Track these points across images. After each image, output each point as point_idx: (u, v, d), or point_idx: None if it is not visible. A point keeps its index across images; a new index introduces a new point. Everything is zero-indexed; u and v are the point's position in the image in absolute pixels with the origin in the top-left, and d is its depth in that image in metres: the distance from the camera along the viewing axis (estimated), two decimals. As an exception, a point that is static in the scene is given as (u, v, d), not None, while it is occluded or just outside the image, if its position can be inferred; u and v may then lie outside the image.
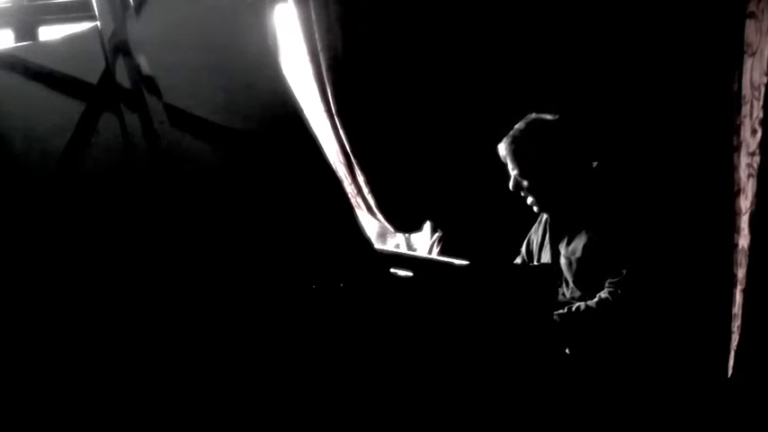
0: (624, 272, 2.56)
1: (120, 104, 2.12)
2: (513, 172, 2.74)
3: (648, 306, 2.59)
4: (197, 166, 2.13)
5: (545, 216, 2.85)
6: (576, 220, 2.72)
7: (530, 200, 2.75)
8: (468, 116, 3.34)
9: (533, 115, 2.73)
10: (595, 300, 2.58)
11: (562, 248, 2.74)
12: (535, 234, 2.91)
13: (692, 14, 3.17)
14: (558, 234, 2.79)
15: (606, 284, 2.59)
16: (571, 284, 2.71)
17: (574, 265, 2.68)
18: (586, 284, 2.66)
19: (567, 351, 2.57)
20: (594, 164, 2.76)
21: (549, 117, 2.71)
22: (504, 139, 2.73)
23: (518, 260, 2.98)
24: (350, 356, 2.08)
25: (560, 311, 2.58)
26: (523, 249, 2.96)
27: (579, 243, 2.68)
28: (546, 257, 2.82)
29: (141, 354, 1.98)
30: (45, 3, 3.42)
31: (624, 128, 3.25)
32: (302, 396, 2.05)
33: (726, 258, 3.04)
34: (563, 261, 2.73)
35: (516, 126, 2.73)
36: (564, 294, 2.74)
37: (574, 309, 2.58)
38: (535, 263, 2.88)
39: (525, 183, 2.71)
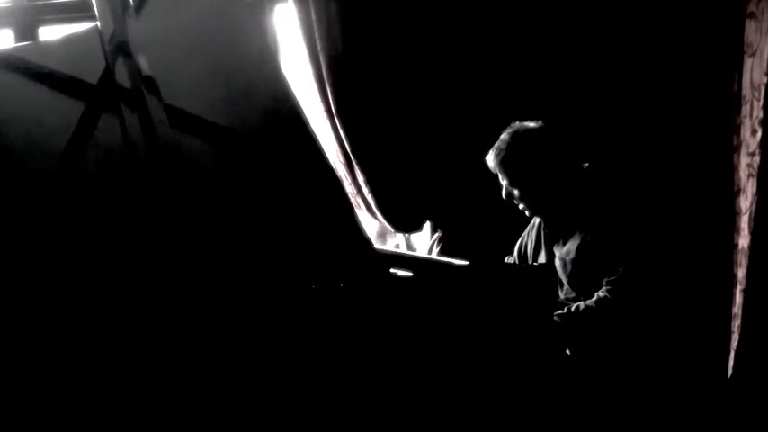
0: (621, 270, 2.57)
1: (120, 104, 2.12)
2: (503, 182, 2.76)
3: (647, 304, 2.60)
4: (197, 166, 2.13)
5: (538, 219, 2.86)
6: (569, 221, 2.73)
7: (522, 206, 2.78)
8: (468, 116, 3.34)
9: (516, 124, 2.76)
10: (594, 299, 2.58)
11: (557, 250, 2.75)
12: (528, 237, 2.92)
13: (692, 14, 3.17)
14: (552, 236, 2.80)
15: (603, 283, 2.59)
16: (566, 285, 2.72)
17: (568, 266, 2.69)
18: (581, 285, 2.67)
19: (567, 351, 2.57)
20: (585, 165, 2.77)
21: (532, 125, 2.73)
22: (491, 152, 2.76)
23: (509, 260, 2.99)
24: (350, 356, 2.08)
25: (560, 311, 2.58)
26: (515, 252, 2.97)
27: (573, 244, 2.69)
28: (542, 260, 2.83)
29: (142, 353, 1.98)
30: (45, 3, 3.42)
31: (624, 128, 3.25)
32: (302, 396, 2.05)
33: (726, 258, 3.04)
34: (558, 262, 2.74)
35: (501, 137, 2.75)
36: (559, 295, 2.74)
37: (573, 308, 2.58)
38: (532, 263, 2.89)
39: (516, 192, 2.74)
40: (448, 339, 2.14)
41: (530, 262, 2.89)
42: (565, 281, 2.72)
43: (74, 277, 1.99)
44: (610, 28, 3.25)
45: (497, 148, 2.74)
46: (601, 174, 2.79)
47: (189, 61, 2.23)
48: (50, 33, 3.35)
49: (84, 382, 1.96)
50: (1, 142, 2.03)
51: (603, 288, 2.59)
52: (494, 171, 2.77)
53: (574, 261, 2.68)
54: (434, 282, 2.22)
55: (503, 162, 2.72)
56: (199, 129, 2.16)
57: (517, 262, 2.95)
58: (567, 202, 2.72)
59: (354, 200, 3.41)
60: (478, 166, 2.84)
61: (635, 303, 2.57)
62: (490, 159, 2.76)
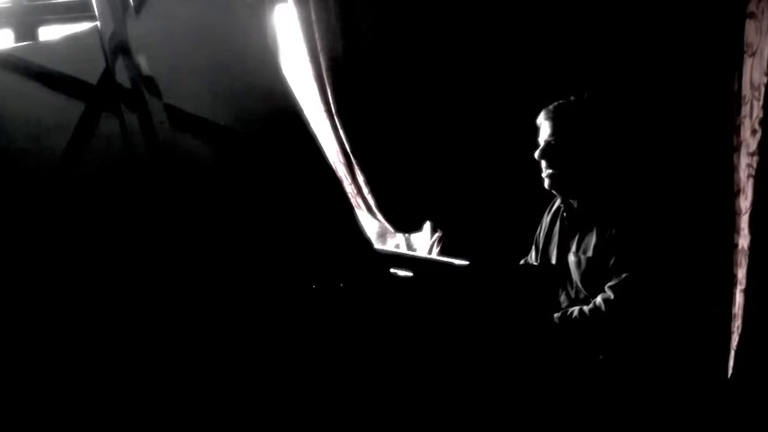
0: (624, 276, 2.55)
1: (120, 104, 2.12)
2: (546, 138, 2.67)
3: (646, 311, 2.58)
4: (197, 166, 2.13)
5: (557, 203, 2.82)
6: (590, 214, 2.68)
7: (549, 173, 2.69)
8: (468, 116, 3.34)
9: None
10: (590, 306, 2.57)
11: (573, 245, 2.71)
12: (542, 224, 2.87)
13: (692, 14, 3.17)
14: (569, 226, 2.74)
15: (605, 288, 2.58)
16: (578, 283, 2.68)
17: (583, 264, 2.65)
18: (593, 285, 2.63)
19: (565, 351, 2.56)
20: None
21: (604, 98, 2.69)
22: (553, 104, 2.69)
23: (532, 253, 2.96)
24: (350, 357, 2.08)
25: (558, 315, 2.57)
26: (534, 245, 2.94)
27: (590, 241, 2.64)
28: (552, 249, 2.79)
29: (141, 353, 1.98)
30: (45, 3, 3.43)
31: (624, 128, 3.24)
32: (302, 396, 2.05)
33: (726, 258, 3.04)
34: (572, 258, 2.69)
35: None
36: (569, 294, 2.72)
37: (569, 314, 2.57)
38: (540, 254, 2.86)
39: (554, 151, 2.64)
40: (448, 340, 2.14)
41: (539, 247, 2.86)
42: (577, 279, 2.68)
43: (73, 277, 1.99)
44: (609, 28, 3.25)
45: (560, 102, 2.67)
46: (632, 175, 2.76)
47: (189, 61, 2.23)
48: (50, 33, 3.36)
49: (84, 382, 1.96)
50: (1, 142, 2.03)
51: (600, 295, 2.57)
52: (539, 124, 2.69)
53: (590, 260, 2.64)
54: (434, 282, 2.22)
55: (560, 109, 2.64)
56: (199, 129, 2.16)
57: (533, 254, 2.92)
58: (597, 187, 2.66)
59: (354, 200, 3.42)
60: (479, 166, 2.84)
61: (633, 311, 2.55)
62: (547, 109, 2.68)
